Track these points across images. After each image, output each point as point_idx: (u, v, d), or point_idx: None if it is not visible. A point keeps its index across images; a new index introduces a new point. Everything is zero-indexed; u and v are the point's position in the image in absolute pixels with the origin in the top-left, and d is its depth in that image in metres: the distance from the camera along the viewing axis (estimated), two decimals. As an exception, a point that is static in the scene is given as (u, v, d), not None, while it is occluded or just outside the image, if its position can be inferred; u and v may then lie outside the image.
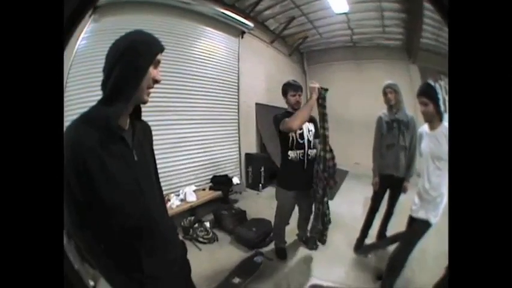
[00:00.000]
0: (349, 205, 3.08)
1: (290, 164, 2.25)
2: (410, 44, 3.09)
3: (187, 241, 2.63)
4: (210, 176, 3.22)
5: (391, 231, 2.45)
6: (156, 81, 1.14)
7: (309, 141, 2.28)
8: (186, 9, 2.82)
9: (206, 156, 3.20)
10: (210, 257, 2.51)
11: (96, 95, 2.23)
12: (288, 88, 2.35)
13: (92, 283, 1.73)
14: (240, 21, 3.10)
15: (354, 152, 3.11)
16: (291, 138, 2.23)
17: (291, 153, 2.25)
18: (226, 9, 3.00)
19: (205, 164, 3.19)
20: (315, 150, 2.30)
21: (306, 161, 2.26)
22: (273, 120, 2.23)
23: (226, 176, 3.26)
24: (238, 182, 3.29)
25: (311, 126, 2.31)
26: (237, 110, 3.39)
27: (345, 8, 3.14)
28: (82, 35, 2.28)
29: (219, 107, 3.26)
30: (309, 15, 3.22)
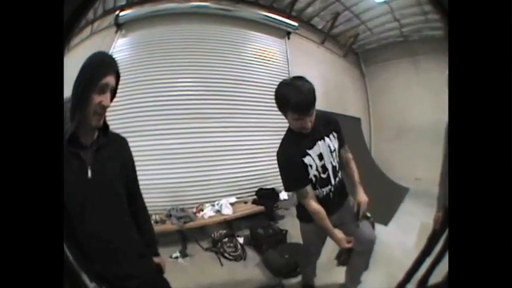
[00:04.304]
0: (402, 233, 2.45)
1: None
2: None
3: (213, 254, 2.51)
4: (256, 189, 2.99)
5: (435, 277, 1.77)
6: (104, 107, 1.15)
7: (333, 168, 1.73)
8: (225, 16, 2.76)
9: (253, 166, 3.01)
10: (228, 275, 2.34)
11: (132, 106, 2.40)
12: (288, 107, 1.55)
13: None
14: (281, 21, 2.87)
15: (415, 165, 2.43)
16: (313, 178, 1.68)
17: (315, 192, 1.71)
18: (264, 11, 2.82)
19: (251, 175, 3.00)
20: (340, 174, 1.77)
21: (332, 193, 1.75)
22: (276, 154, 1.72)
23: (273, 189, 2.97)
24: (286, 197, 2.92)
25: (332, 142, 1.72)
26: (290, 117, 3.06)
27: (382, -5, 2.68)
28: (111, 50, 2.47)
29: (270, 114, 2.91)
30: (352, 9, 2.80)
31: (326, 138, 1.70)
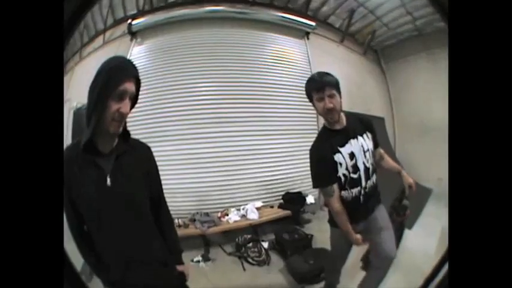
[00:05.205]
0: (425, 237, 2.29)
1: (342, 204, 1.69)
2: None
3: (236, 258, 2.49)
4: (283, 193, 2.92)
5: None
6: (122, 115, 1.14)
7: (366, 169, 1.68)
8: (241, 19, 2.74)
9: (279, 170, 2.94)
10: (250, 280, 2.31)
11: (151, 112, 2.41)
12: (311, 88, 1.63)
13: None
14: (298, 21, 2.78)
15: (439, 165, 2.33)
16: (342, 177, 1.65)
17: (344, 193, 1.68)
18: (280, 12, 2.76)
19: (278, 179, 2.94)
20: (374, 178, 1.71)
21: (362, 197, 1.71)
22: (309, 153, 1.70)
23: (300, 193, 2.91)
24: (313, 201, 2.85)
25: (365, 142, 1.69)
26: (316, 119, 2.87)
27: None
28: (128, 57, 2.34)
29: (295, 116, 2.95)
30: (365, 4, 2.71)
31: (359, 137, 1.68)
